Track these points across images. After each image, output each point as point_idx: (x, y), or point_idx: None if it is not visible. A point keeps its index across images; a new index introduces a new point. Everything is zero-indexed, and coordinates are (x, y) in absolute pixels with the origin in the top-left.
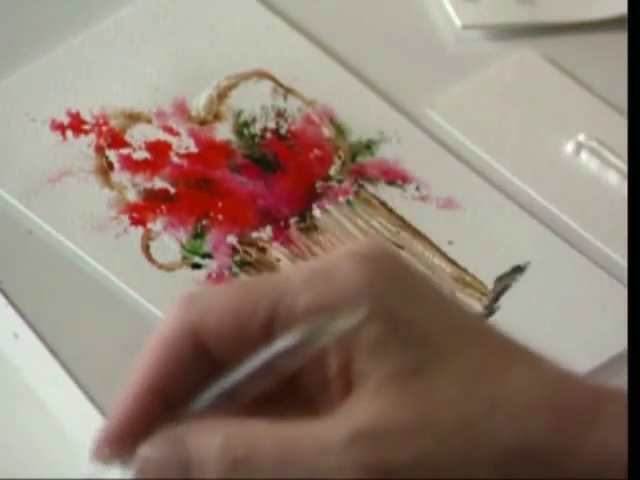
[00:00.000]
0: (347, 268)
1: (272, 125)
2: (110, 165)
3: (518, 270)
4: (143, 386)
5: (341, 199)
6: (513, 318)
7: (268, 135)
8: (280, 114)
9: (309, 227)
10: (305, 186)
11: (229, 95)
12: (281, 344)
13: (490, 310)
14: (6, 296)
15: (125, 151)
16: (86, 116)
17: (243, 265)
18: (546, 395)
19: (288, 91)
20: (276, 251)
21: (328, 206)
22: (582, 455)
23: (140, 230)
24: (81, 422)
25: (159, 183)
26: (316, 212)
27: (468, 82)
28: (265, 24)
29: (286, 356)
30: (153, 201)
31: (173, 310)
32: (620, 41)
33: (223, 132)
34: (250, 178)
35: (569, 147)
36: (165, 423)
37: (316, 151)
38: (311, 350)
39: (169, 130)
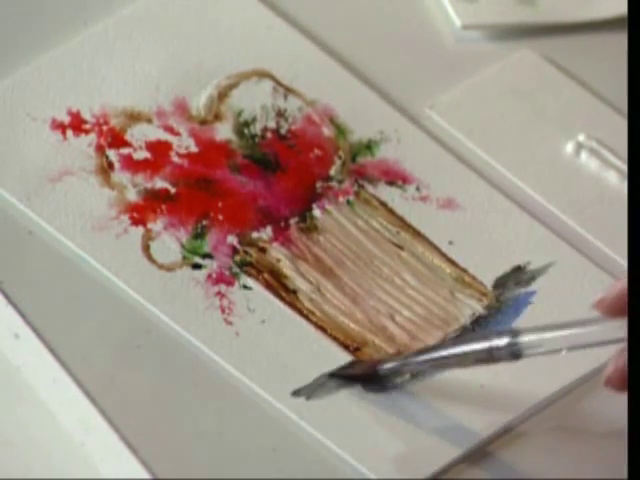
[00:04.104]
0: None
1: (272, 125)
2: (110, 165)
3: (518, 270)
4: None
5: (341, 199)
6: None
7: (268, 135)
8: (280, 114)
9: (309, 227)
10: (305, 186)
11: (229, 95)
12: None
13: (491, 310)
14: (6, 296)
15: (125, 151)
16: (86, 115)
17: (243, 265)
18: None
19: (288, 91)
20: (276, 251)
21: (328, 206)
22: None
23: (140, 230)
24: (81, 422)
25: (159, 183)
26: (316, 212)
27: (468, 82)
28: (266, 24)
29: None
30: (153, 201)
31: None
32: (620, 41)
33: (223, 132)
34: (250, 178)
35: (569, 147)
36: None
37: (316, 151)
38: None
39: (169, 130)
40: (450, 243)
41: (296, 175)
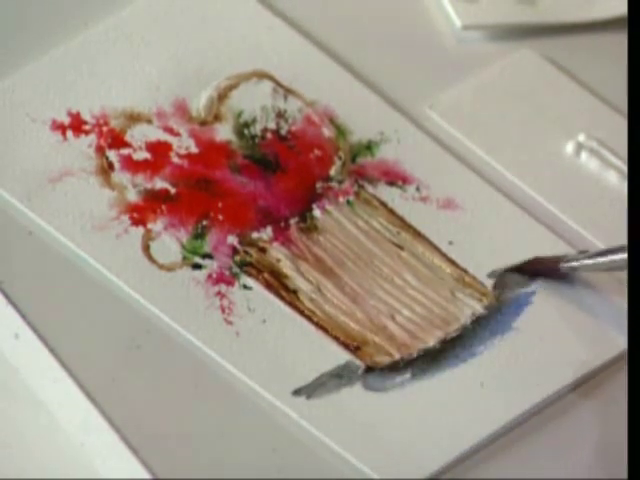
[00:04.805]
0: None
1: (272, 125)
2: (110, 165)
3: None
4: None
5: (341, 199)
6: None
7: (268, 135)
8: (280, 114)
9: (309, 227)
10: (305, 186)
11: (229, 95)
12: None
13: (491, 310)
14: (6, 296)
15: (125, 151)
16: (86, 116)
17: (243, 265)
18: None
19: (288, 91)
20: (276, 251)
21: (328, 206)
22: None
23: (140, 230)
24: (81, 422)
25: (159, 183)
26: (316, 212)
27: (468, 82)
28: (265, 24)
29: None
30: (153, 201)
31: None
32: (620, 41)
33: (223, 132)
34: (250, 178)
35: (569, 147)
36: None
37: (316, 151)
38: None
39: (169, 130)
40: (450, 243)
41: (296, 175)
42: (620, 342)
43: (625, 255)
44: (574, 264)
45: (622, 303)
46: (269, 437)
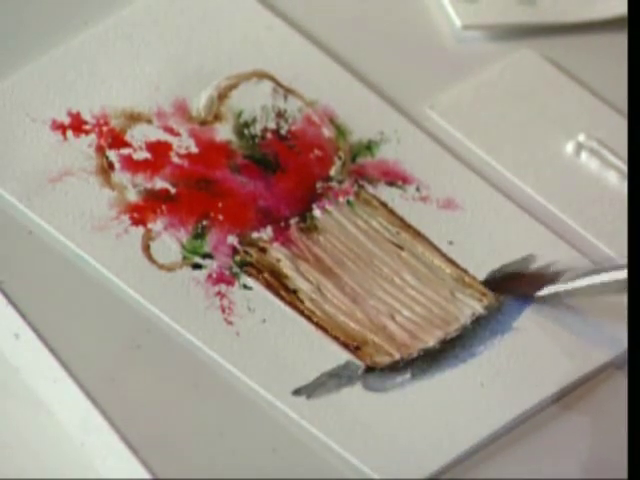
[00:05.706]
0: None
1: (272, 125)
2: (110, 165)
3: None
4: None
5: (341, 199)
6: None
7: (268, 135)
8: (280, 114)
9: (309, 227)
10: (305, 186)
11: (229, 95)
12: None
13: (491, 310)
14: (6, 296)
15: (125, 151)
16: (86, 116)
17: (243, 265)
18: None
19: (288, 91)
20: (276, 251)
21: (328, 206)
22: None
23: (140, 230)
24: (81, 422)
25: (159, 183)
26: (316, 212)
27: (468, 82)
28: (265, 24)
29: None
30: (153, 201)
31: None
32: (620, 41)
33: (223, 132)
34: (250, 178)
35: (569, 147)
36: None
37: (316, 151)
38: None
39: (169, 130)
40: (450, 243)
41: (296, 175)
42: (622, 341)
43: (605, 277)
44: (550, 291)
45: (624, 302)
46: (269, 437)
